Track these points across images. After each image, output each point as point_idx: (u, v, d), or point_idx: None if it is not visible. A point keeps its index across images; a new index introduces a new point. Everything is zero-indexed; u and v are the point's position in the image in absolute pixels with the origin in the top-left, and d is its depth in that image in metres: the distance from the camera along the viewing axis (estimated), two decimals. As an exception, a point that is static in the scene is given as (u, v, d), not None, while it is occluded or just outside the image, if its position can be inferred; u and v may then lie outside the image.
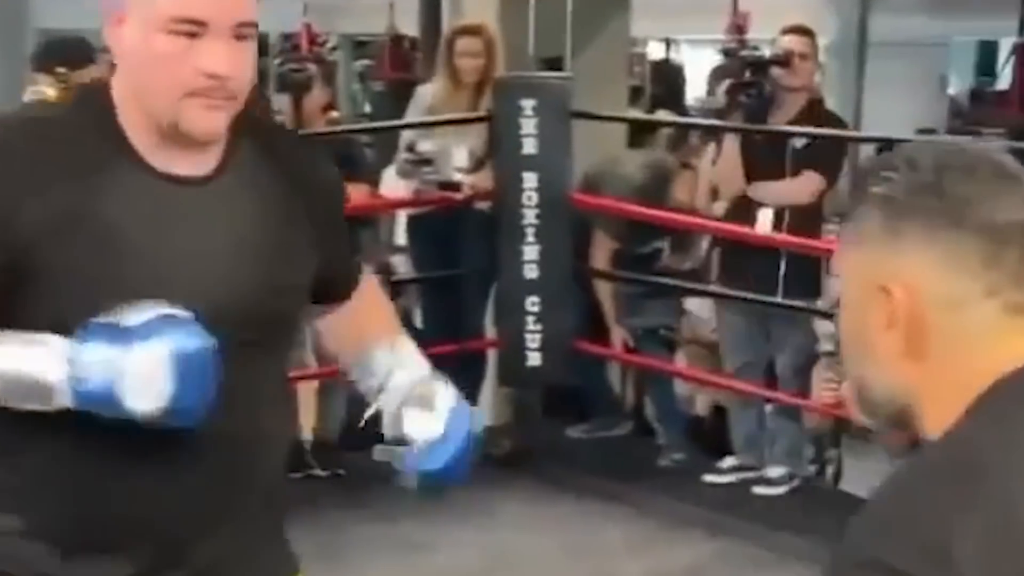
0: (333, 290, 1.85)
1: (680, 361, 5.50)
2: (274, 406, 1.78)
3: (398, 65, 10.42)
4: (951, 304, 1.08)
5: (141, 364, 1.53)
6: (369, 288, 1.93)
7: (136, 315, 1.54)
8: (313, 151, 1.90)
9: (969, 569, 0.97)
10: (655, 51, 11.15)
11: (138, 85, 1.62)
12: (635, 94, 8.80)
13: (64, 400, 1.56)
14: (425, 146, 4.87)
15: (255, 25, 1.61)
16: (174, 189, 1.64)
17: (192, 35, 1.57)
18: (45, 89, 4.11)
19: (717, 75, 8.73)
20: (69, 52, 4.26)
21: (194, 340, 1.56)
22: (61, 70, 4.08)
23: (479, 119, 4.94)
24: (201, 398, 1.57)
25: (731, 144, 4.57)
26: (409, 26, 9.76)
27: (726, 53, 4.74)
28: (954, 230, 1.07)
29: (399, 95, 9.98)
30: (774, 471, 4.69)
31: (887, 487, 1.07)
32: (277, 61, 12.57)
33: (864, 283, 1.10)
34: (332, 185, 1.86)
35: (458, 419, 1.86)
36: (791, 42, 4.51)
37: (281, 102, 4.90)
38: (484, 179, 4.96)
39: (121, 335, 1.54)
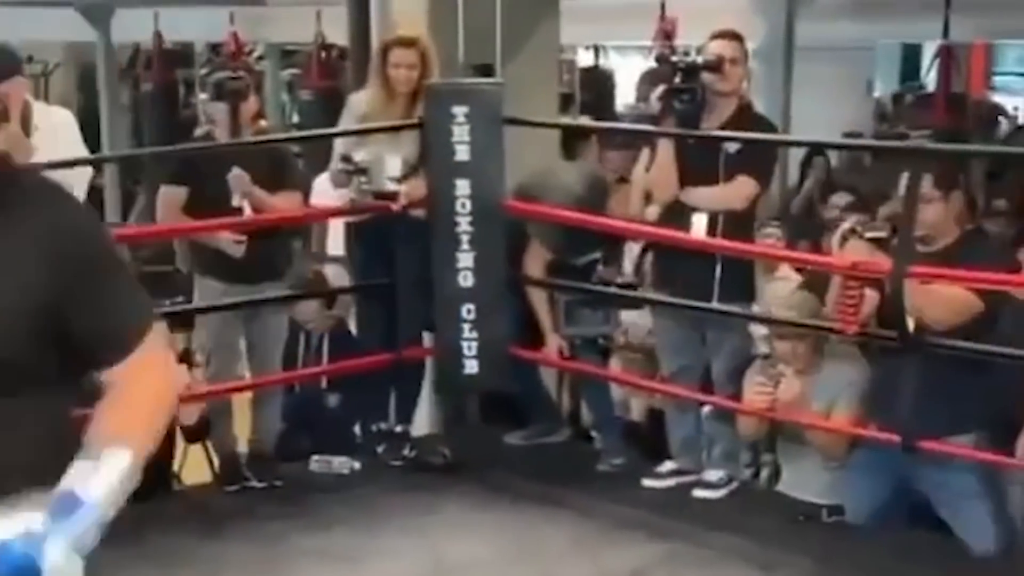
0: (98, 347, 1.76)
1: (615, 366, 5.52)
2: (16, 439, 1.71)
3: (326, 74, 10.37)
4: None
5: None
6: (145, 363, 1.81)
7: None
8: (66, 201, 1.80)
9: None
10: (584, 58, 11.19)
11: None
12: (565, 101, 8.82)
13: None
14: (359, 156, 4.85)
15: None
16: None
17: None
18: (-32, 101, 4.02)
19: (646, 81, 8.81)
20: None
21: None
22: None
23: (411, 126, 4.93)
24: None
25: (665, 150, 4.59)
26: (336, 35, 9.72)
27: (659, 59, 4.76)
28: None
29: (327, 104, 9.94)
30: (712, 474, 4.72)
31: None
32: (204, 71, 12.48)
33: None
34: (84, 234, 1.77)
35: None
36: (721, 47, 4.53)
37: (215, 110, 4.84)
38: (418, 187, 4.95)
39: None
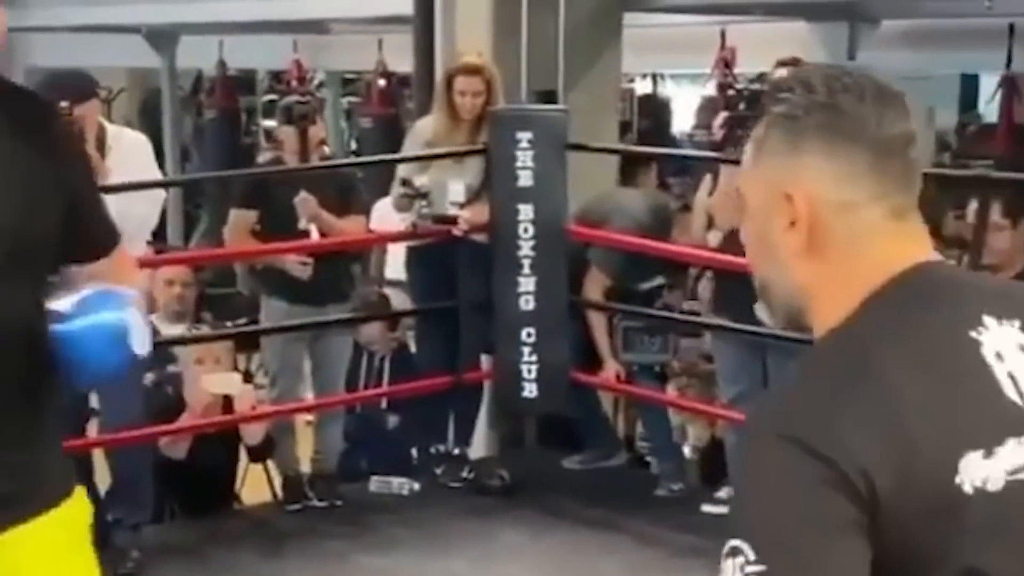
0: (87, 243, 1.99)
1: (671, 392, 5.54)
2: (25, 332, 1.88)
3: (385, 102, 10.46)
4: (845, 207, 1.23)
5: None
6: (123, 255, 2.11)
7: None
8: (58, 117, 2.07)
9: (861, 456, 1.13)
10: (641, 86, 11.24)
11: None
12: (622, 129, 8.87)
13: None
14: (419, 180, 4.91)
15: None
16: None
17: None
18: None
19: (707, 108, 8.84)
20: (71, 86, 4.27)
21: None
22: (63, 104, 4.09)
23: (475, 151, 4.98)
24: None
25: (728, 176, 4.61)
26: (397, 63, 9.83)
27: (720, 87, 4.79)
28: (849, 143, 1.22)
29: (386, 131, 10.05)
30: (772, 500, 4.70)
31: (796, 375, 1.24)
32: (268, 97, 12.63)
33: (768, 192, 1.25)
34: (73, 148, 2.06)
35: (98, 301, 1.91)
36: (786, 75, 4.56)
37: (284, 134, 4.92)
38: (480, 212, 5.00)
39: None
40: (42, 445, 1.93)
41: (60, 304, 1.88)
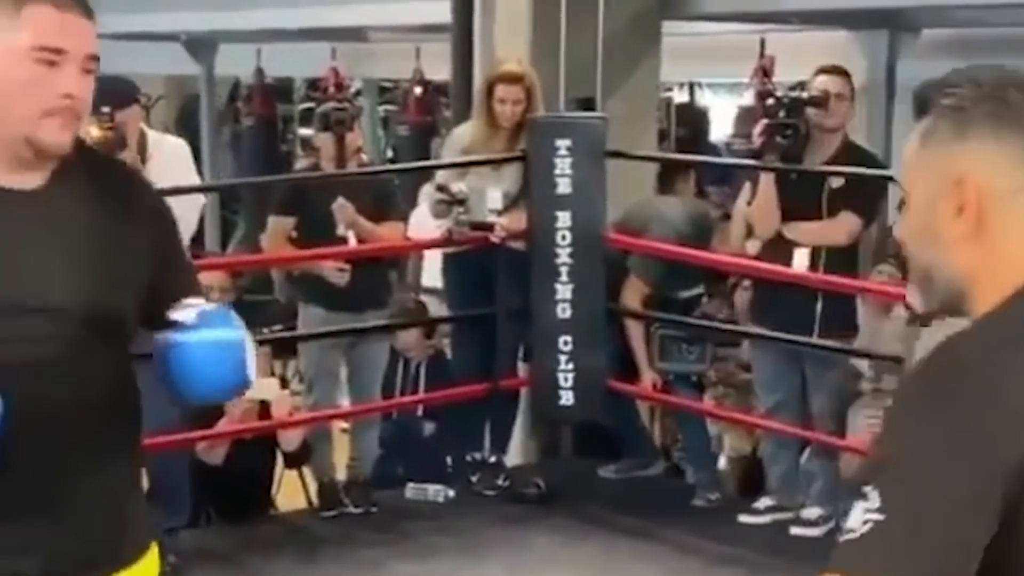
0: (171, 307, 1.95)
1: (708, 401, 5.51)
2: (112, 396, 1.88)
3: (423, 110, 10.48)
4: (1012, 192, 1.29)
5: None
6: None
7: None
8: (140, 179, 2.08)
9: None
10: (678, 94, 11.21)
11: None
12: (659, 137, 8.83)
13: None
14: (457, 186, 4.91)
15: (98, 60, 1.85)
16: (8, 200, 1.83)
17: (52, 63, 1.79)
18: (89, 129, 4.14)
19: (745, 117, 8.80)
20: (113, 92, 4.29)
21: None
22: (105, 110, 4.12)
23: (514, 159, 4.98)
24: None
25: (767, 184, 4.59)
26: (433, 71, 9.84)
27: (760, 95, 4.77)
28: (1017, 131, 1.29)
29: (422, 139, 10.06)
30: (811, 512, 4.68)
31: (953, 352, 1.26)
32: (305, 104, 12.66)
33: (935, 180, 1.31)
34: (159, 211, 2.00)
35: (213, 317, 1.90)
36: (827, 82, 4.54)
37: (321, 141, 4.93)
38: (518, 219, 5.00)
39: None
40: (129, 501, 1.95)
41: (181, 314, 1.87)
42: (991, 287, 1.30)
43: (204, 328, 1.85)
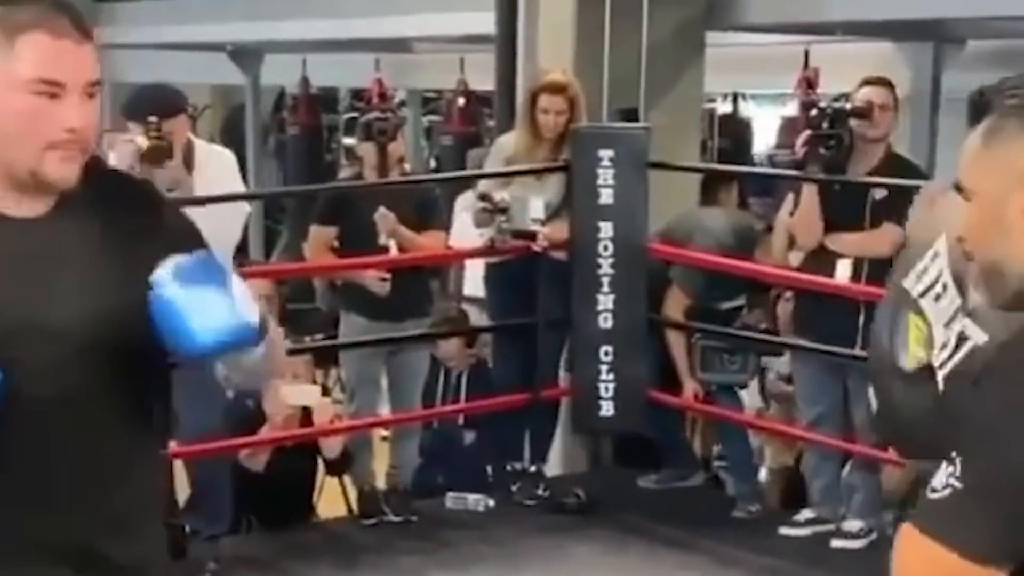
0: None
1: (750, 412, 5.49)
2: (128, 425, 1.83)
3: (466, 120, 10.51)
4: None
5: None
6: None
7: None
8: (156, 196, 1.97)
9: None
10: (721, 105, 11.19)
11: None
12: (702, 148, 8.82)
13: None
14: (500, 195, 4.92)
15: (101, 83, 1.78)
16: (11, 229, 1.78)
17: (53, 95, 1.73)
18: (136, 138, 4.19)
19: (788, 127, 8.77)
20: (161, 101, 4.34)
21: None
22: (152, 119, 4.16)
23: (556, 168, 4.99)
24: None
25: (810, 195, 4.57)
26: (477, 81, 9.87)
27: (804, 106, 4.76)
28: None
29: (465, 150, 10.08)
30: (852, 524, 4.65)
31: None
32: (349, 114, 12.72)
33: (1006, 175, 1.36)
34: (178, 227, 1.92)
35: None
36: (871, 93, 4.52)
37: (364, 151, 4.96)
38: (560, 229, 5.00)
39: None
40: (144, 521, 1.91)
41: (157, 272, 1.79)
42: None
43: (181, 281, 1.76)
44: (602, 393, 5.03)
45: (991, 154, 1.38)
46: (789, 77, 8.19)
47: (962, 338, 2.89)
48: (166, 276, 1.74)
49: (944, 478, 1.30)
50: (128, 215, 1.84)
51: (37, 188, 1.78)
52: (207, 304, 1.75)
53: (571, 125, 4.95)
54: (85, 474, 1.80)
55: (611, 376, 5.02)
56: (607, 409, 5.05)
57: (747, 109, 11.50)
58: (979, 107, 1.39)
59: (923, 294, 2.96)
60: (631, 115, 5.61)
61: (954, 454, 1.30)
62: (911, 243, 3.70)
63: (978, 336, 2.69)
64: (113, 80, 12.41)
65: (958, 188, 1.44)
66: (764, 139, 11.07)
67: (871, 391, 3.30)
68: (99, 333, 1.77)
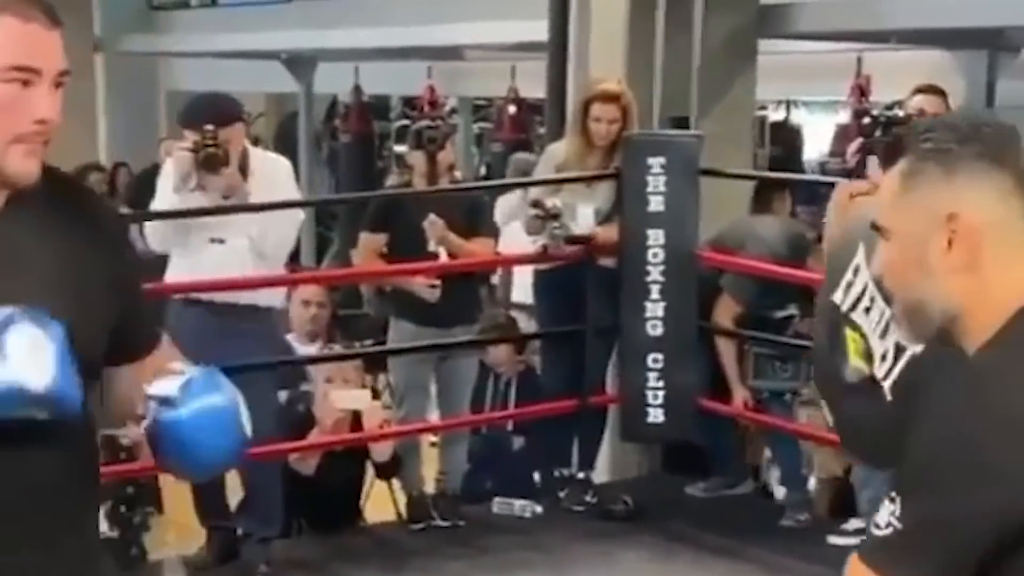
0: (129, 345, 1.79)
1: (801, 421, 5.46)
2: (79, 440, 1.72)
3: (517, 127, 10.55)
4: (998, 224, 1.40)
5: (21, 345, 1.54)
6: (164, 354, 1.86)
7: None
8: (104, 205, 1.89)
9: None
10: (773, 113, 11.17)
11: None
12: (754, 155, 8.79)
13: None
14: (552, 201, 4.93)
15: (69, 73, 1.66)
16: None
17: (26, 83, 1.61)
18: (192, 144, 4.24)
19: (841, 135, 8.73)
20: (217, 109, 4.39)
21: (51, 325, 1.57)
22: (209, 127, 4.21)
23: (607, 176, 5.00)
24: (75, 384, 1.59)
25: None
26: (528, 89, 9.90)
27: (856, 114, 4.74)
28: (998, 168, 1.40)
29: (515, 157, 10.10)
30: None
31: (973, 384, 1.38)
32: (399, 123, 12.77)
33: (925, 217, 1.41)
34: (123, 241, 1.85)
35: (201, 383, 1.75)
36: (923, 101, 4.50)
37: (414, 159, 4.99)
38: (610, 236, 5.01)
39: None
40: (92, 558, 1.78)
41: (162, 388, 1.72)
42: (983, 315, 1.40)
43: (189, 400, 1.70)
44: (651, 400, 5.03)
45: (910, 197, 1.42)
46: (841, 85, 8.16)
47: (900, 348, 2.91)
48: (174, 395, 1.69)
49: (887, 516, 1.37)
50: (78, 218, 1.72)
51: None
52: (218, 431, 1.71)
53: (623, 133, 4.96)
54: (37, 506, 1.67)
55: (660, 383, 5.01)
56: (656, 416, 5.04)
57: (799, 117, 11.46)
58: (893, 149, 1.41)
59: (853, 307, 2.98)
60: (683, 123, 5.61)
61: (894, 492, 1.37)
62: (830, 254, 3.71)
63: (915, 346, 2.71)
64: (168, 88, 12.60)
65: (876, 228, 1.46)
66: (816, 147, 11.02)
67: (823, 406, 3.30)
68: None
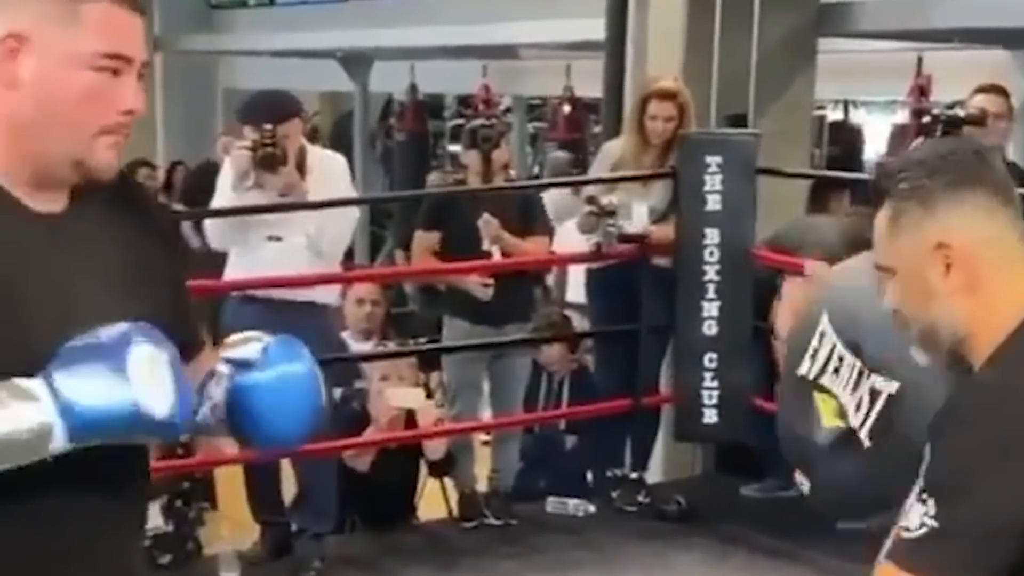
0: (184, 343, 1.68)
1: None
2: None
3: (572, 127, 10.53)
4: (990, 240, 1.49)
5: (144, 366, 1.45)
6: (207, 358, 1.77)
7: (95, 332, 1.47)
8: (156, 200, 1.83)
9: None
10: (831, 112, 11.09)
11: (41, 120, 1.52)
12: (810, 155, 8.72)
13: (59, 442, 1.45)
14: (608, 199, 4.91)
15: (150, 64, 1.62)
16: (35, 225, 1.56)
17: (116, 72, 1.54)
18: (250, 142, 4.26)
19: (899, 135, 8.65)
20: (275, 105, 4.41)
21: (166, 344, 1.49)
22: (267, 126, 4.23)
23: (663, 175, 4.97)
24: (189, 409, 1.52)
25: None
26: (583, 88, 9.88)
27: (916, 113, 4.69)
28: (976, 187, 1.50)
29: (570, 157, 10.09)
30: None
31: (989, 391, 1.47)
32: (454, 122, 12.80)
33: (917, 252, 1.51)
34: (179, 244, 1.81)
35: (280, 350, 1.69)
36: (985, 101, 4.45)
37: (469, 158, 4.99)
38: (665, 235, 4.99)
39: (104, 348, 1.45)
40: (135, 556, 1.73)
41: (240, 352, 1.68)
42: (987, 331, 1.49)
43: (271, 364, 1.66)
44: (706, 400, 5.00)
45: (900, 237, 1.53)
46: (901, 84, 8.08)
47: (874, 393, 2.94)
48: (253, 357, 1.65)
49: (918, 518, 1.43)
50: (137, 215, 1.66)
51: (74, 180, 1.57)
52: (302, 396, 1.66)
53: (679, 131, 4.93)
54: (105, 523, 1.61)
55: (715, 383, 4.98)
56: (710, 416, 5.01)
57: (857, 116, 11.37)
58: (878, 191, 1.50)
59: (821, 373, 3.01)
60: (740, 121, 5.58)
61: (924, 495, 1.43)
62: (789, 340, 3.71)
63: (889, 387, 2.81)
64: (225, 87, 12.71)
65: (881, 268, 1.57)
66: (874, 147, 10.93)
67: (798, 477, 3.37)
68: None
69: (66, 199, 1.59)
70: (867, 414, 2.99)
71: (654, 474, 5.43)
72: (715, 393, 4.97)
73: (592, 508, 5.09)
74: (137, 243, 1.63)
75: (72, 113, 1.52)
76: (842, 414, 3.03)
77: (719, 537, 4.87)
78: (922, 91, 7.57)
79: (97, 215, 1.60)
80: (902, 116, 9.03)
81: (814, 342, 3.06)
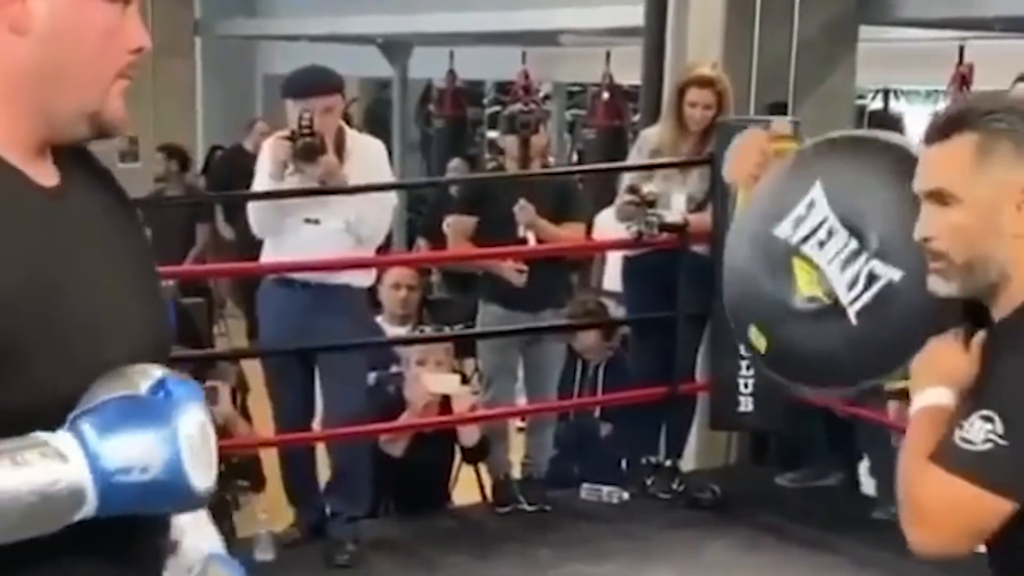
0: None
1: (891, 411, 5.38)
2: None
3: (610, 114, 10.49)
4: None
5: (196, 437, 1.25)
6: None
7: (133, 380, 1.25)
8: (115, 179, 1.50)
9: None
10: (871, 102, 11.01)
11: (55, 69, 1.29)
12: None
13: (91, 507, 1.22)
14: (648, 188, 4.90)
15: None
16: (48, 203, 1.32)
17: (127, 2, 1.32)
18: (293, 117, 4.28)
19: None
20: (319, 80, 4.43)
21: (197, 398, 1.28)
22: (306, 113, 4.23)
23: (701, 162, 4.95)
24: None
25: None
26: (623, 75, 9.84)
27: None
28: None
29: (609, 144, 10.07)
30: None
31: None
32: (492, 108, 12.74)
33: (1000, 187, 1.58)
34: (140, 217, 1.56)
35: None
36: (1027, 90, 4.40)
37: (507, 143, 4.99)
38: (703, 222, 4.97)
39: (147, 408, 1.24)
40: None
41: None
42: None
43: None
44: (741, 389, 4.98)
45: (985, 169, 1.59)
46: (942, 73, 8.00)
47: (872, 276, 3.00)
48: None
49: (983, 433, 1.53)
50: (114, 193, 1.45)
51: (86, 138, 1.34)
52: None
53: (718, 119, 4.91)
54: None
55: (751, 372, 4.96)
56: (746, 405, 4.99)
57: (898, 106, 11.27)
58: (954, 123, 1.54)
59: (804, 240, 3.05)
60: (780, 109, 5.54)
61: (989, 412, 1.53)
62: (764, 188, 3.73)
63: (892, 273, 2.87)
64: (265, 72, 12.75)
65: (938, 194, 1.61)
66: (916, 136, 10.85)
67: (751, 332, 3.47)
68: (159, 336, 1.41)
69: (56, 173, 1.35)
70: (860, 294, 3.05)
71: (688, 462, 5.42)
72: (751, 382, 4.95)
73: (626, 495, 5.10)
74: (125, 224, 1.44)
75: (92, 55, 1.29)
76: (821, 285, 3.10)
77: (753, 526, 4.87)
78: (964, 80, 7.50)
79: (84, 189, 1.38)
80: (942, 105, 8.93)
81: (799, 209, 3.10)
